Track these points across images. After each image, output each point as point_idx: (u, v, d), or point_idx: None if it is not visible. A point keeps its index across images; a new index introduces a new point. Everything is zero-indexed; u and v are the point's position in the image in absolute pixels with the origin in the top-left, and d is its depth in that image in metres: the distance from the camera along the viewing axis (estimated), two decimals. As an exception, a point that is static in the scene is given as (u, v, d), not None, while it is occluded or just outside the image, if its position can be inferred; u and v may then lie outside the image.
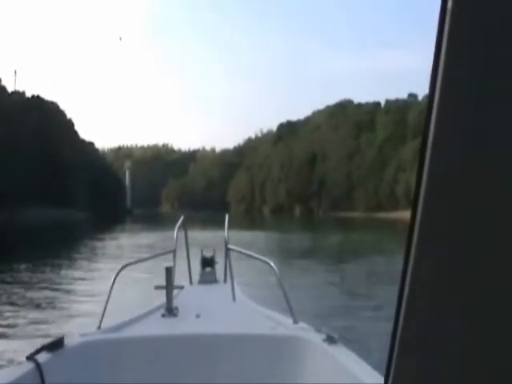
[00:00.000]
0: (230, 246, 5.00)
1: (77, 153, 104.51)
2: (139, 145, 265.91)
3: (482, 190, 0.61)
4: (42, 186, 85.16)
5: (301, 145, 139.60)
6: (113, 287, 3.76)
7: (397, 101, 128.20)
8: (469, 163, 0.60)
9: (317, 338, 3.17)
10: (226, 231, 5.26)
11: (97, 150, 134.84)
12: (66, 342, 2.97)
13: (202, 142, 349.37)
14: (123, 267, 4.09)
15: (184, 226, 5.41)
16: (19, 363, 2.82)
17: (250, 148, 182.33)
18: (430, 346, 0.65)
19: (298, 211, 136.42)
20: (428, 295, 0.64)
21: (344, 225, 72.04)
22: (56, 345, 2.87)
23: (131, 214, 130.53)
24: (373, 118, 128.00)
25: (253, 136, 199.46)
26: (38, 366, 2.57)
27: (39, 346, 2.80)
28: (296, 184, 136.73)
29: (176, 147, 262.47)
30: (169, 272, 3.94)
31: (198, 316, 3.84)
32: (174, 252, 4.69)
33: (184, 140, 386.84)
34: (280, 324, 3.59)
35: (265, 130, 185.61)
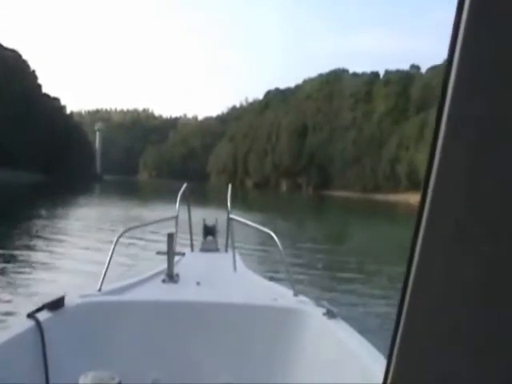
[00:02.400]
0: (231, 216, 5.04)
1: (36, 106, 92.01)
2: (119, 109, 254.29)
3: (495, 181, 0.60)
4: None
5: (290, 114, 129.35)
6: (114, 250, 3.67)
7: (397, 72, 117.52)
8: (483, 151, 0.59)
9: (317, 312, 3.16)
10: (228, 201, 5.28)
11: (63, 107, 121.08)
12: (67, 301, 2.99)
13: (184, 110, 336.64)
14: (124, 231, 4.12)
15: (186, 194, 5.41)
16: (20, 321, 2.76)
17: (234, 117, 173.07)
18: (433, 342, 0.65)
19: (284, 187, 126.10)
20: (432, 291, 0.64)
21: (339, 207, 63.03)
22: (56, 304, 2.90)
23: (100, 181, 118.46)
24: (370, 89, 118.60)
25: (237, 105, 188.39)
26: (38, 323, 2.61)
27: (40, 305, 2.80)
28: (283, 157, 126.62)
29: (157, 113, 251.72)
30: (170, 238, 3.97)
31: (198, 283, 3.85)
32: (176, 218, 4.81)
33: (166, 106, 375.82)
34: (280, 296, 3.60)
35: (250, 99, 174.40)
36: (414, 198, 66.29)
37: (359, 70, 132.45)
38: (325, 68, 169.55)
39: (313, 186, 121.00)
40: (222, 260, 5.26)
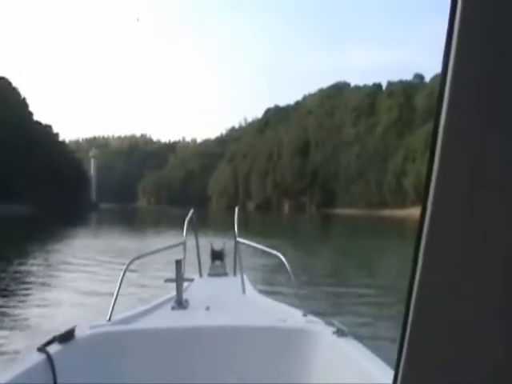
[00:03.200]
0: (239, 239, 5.12)
1: (27, 134, 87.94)
2: (116, 135, 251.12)
3: (496, 186, 0.60)
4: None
5: (291, 132, 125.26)
6: (122, 280, 3.68)
7: (401, 82, 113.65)
8: (482, 159, 0.60)
9: (327, 331, 3.16)
10: (235, 224, 5.27)
11: (55, 134, 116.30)
12: (77, 333, 2.99)
13: (182, 133, 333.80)
14: (133, 260, 4.09)
15: (193, 219, 5.49)
16: (30, 354, 2.72)
17: (233, 138, 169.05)
18: (440, 344, 0.65)
19: (286, 207, 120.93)
20: (438, 292, 0.64)
21: (347, 227, 57.61)
22: (67, 336, 2.89)
23: (97, 210, 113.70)
24: (373, 102, 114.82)
25: (236, 126, 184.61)
26: (48, 357, 2.59)
27: (50, 338, 2.79)
28: (285, 176, 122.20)
29: (155, 138, 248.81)
30: (178, 264, 3.97)
31: (207, 308, 3.86)
32: (183, 244, 4.88)
33: (164, 131, 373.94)
34: (290, 316, 3.59)
35: (249, 119, 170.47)
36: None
37: (361, 82, 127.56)
38: (324, 83, 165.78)
39: (316, 205, 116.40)
40: (230, 284, 5.22)
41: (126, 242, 25.69)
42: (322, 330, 3.20)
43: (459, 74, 0.59)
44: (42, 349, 2.65)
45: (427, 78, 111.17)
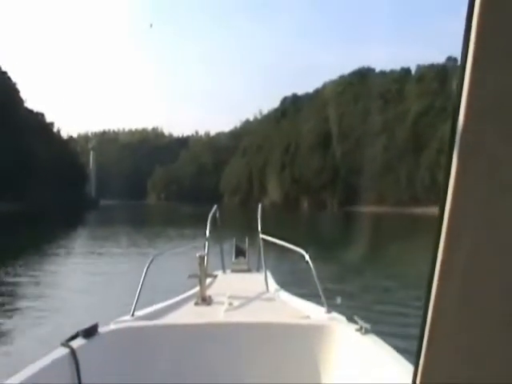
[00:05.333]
0: (262, 236, 5.20)
1: (15, 120, 78.09)
2: (127, 129, 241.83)
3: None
4: None
5: (310, 122, 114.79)
6: (145, 276, 3.74)
7: (432, 66, 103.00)
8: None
9: (350, 328, 3.17)
10: (259, 221, 5.46)
11: (49, 124, 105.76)
12: (100, 328, 3.02)
13: (195, 127, 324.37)
14: (155, 256, 4.12)
15: (215, 214, 5.74)
16: (54, 349, 2.72)
17: (247, 131, 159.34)
18: (458, 343, 0.65)
19: (305, 204, 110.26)
20: (457, 292, 0.64)
21: (380, 229, 48.77)
22: (90, 331, 2.91)
23: (95, 207, 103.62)
24: (402, 88, 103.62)
25: (251, 118, 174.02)
26: (72, 351, 2.64)
27: (74, 333, 2.84)
28: (304, 171, 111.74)
29: (167, 132, 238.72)
30: (201, 260, 4.05)
31: (230, 304, 3.93)
32: (206, 241, 5.07)
33: (176, 125, 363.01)
34: (313, 313, 3.64)
35: (265, 112, 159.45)
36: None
37: (386, 67, 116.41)
38: (345, 69, 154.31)
39: (338, 202, 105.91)
40: (254, 280, 5.26)
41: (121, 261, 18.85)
42: (345, 327, 3.20)
43: (477, 78, 0.59)
44: (65, 344, 2.66)
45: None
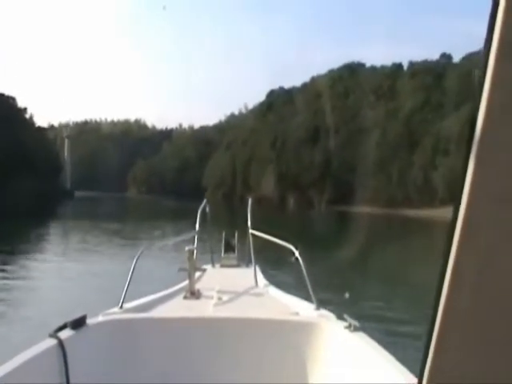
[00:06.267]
0: (252, 231, 5.16)
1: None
2: (109, 119, 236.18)
3: None
4: None
5: (298, 116, 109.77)
6: (134, 268, 3.72)
7: (425, 62, 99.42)
8: None
9: (338, 325, 3.16)
10: (248, 216, 5.36)
11: (20, 109, 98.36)
12: (89, 320, 3.03)
13: (179, 121, 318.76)
14: (143, 249, 4.07)
15: (205, 208, 5.65)
16: (42, 340, 2.77)
17: (232, 125, 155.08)
18: (468, 345, 0.64)
19: (291, 202, 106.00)
20: (468, 294, 0.63)
21: (372, 232, 45.35)
22: (78, 323, 2.92)
23: (71, 198, 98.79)
24: (394, 84, 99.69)
25: (236, 112, 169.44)
26: (60, 342, 2.64)
27: (62, 324, 2.85)
28: (291, 166, 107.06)
29: (150, 124, 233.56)
30: (190, 254, 4.04)
31: (219, 299, 3.89)
32: (195, 234, 5.04)
33: (160, 117, 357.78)
34: (302, 310, 3.61)
35: (250, 106, 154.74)
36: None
37: (377, 63, 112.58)
38: (335, 63, 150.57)
39: (326, 201, 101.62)
40: (243, 275, 5.20)
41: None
42: (333, 325, 3.18)
43: (498, 77, 0.58)
44: (53, 335, 2.66)
45: (456, 58, 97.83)
